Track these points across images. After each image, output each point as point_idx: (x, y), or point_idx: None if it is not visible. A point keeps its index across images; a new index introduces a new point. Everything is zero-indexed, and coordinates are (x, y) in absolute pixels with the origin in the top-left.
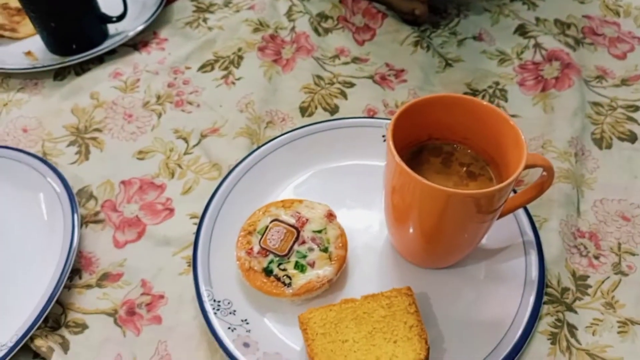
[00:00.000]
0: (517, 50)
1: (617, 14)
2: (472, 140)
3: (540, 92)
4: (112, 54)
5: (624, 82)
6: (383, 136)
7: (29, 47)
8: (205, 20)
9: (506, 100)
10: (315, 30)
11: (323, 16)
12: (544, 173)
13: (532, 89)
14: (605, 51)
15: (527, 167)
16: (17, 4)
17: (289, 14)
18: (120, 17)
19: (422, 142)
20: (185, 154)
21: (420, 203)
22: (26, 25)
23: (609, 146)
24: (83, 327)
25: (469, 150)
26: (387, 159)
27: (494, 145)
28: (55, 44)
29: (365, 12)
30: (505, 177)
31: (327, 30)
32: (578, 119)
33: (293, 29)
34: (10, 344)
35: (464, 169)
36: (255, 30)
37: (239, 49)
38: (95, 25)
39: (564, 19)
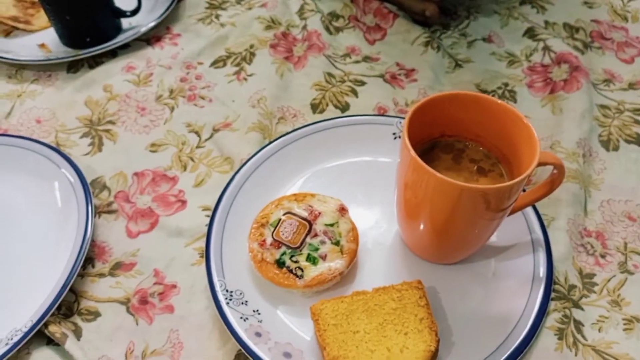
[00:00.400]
0: (526, 53)
1: (625, 19)
2: (485, 137)
3: (549, 94)
4: (125, 48)
5: (631, 86)
6: (394, 134)
7: (43, 40)
8: (217, 16)
9: (515, 102)
10: (327, 28)
11: (334, 15)
12: (555, 171)
13: (541, 91)
14: (613, 55)
15: (539, 164)
16: None
17: (300, 12)
18: (134, 12)
19: (435, 138)
20: (197, 147)
21: (432, 197)
22: (40, 18)
23: (616, 148)
24: (96, 314)
25: (481, 148)
26: (401, 155)
27: (506, 143)
28: (69, 36)
29: (377, 12)
30: (517, 174)
31: (338, 29)
32: (586, 121)
33: (305, 27)
34: (25, 329)
35: (475, 165)
36: (267, 27)
37: (251, 46)
38: (109, 19)
39: (573, 23)
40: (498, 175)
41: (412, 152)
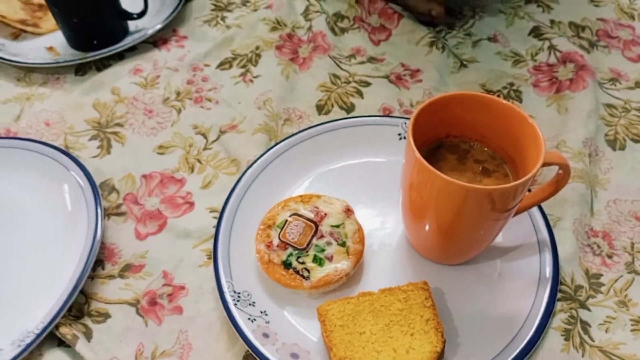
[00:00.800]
0: (531, 52)
1: (632, 17)
2: (490, 138)
3: (555, 94)
4: (132, 50)
5: (638, 84)
6: (399, 134)
7: (51, 43)
8: (223, 18)
9: (521, 101)
10: (332, 29)
11: (339, 16)
12: (560, 171)
13: (547, 90)
14: (619, 54)
15: (545, 164)
16: (39, 0)
17: (305, 13)
18: (141, 14)
19: (440, 139)
20: (204, 149)
21: (437, 198)
22: (48, 21)
23: (623, 147)
24: (106, 316)
25: (486, 149)
26: (405, 155)
27: (511, 144)
28: (77, 39)
29: (381, 12)
30: (523, 174)
31: (343, 30)
32: (592, 121)
33: (310, 28)
34: (37, 331)
35: (479, 166)
36: (273, 29)
37: (257, 47)
38: (116, 22)
39: (579, 22)
40: (502, 175)
41: (417, 153)
